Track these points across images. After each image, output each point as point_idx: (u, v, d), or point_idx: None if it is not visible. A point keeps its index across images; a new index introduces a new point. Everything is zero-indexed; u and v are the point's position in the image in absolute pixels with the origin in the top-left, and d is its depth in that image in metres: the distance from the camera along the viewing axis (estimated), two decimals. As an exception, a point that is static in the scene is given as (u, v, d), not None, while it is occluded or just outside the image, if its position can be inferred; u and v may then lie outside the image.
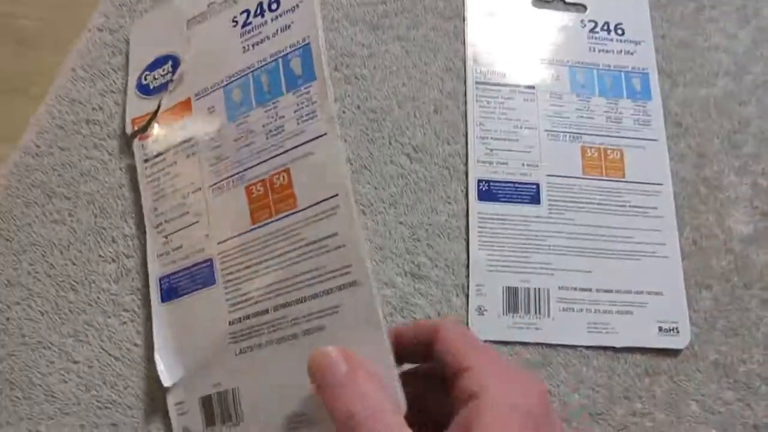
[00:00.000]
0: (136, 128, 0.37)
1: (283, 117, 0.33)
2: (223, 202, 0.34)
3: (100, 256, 0.35)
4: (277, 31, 0.34)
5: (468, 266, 0.38)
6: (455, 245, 0.38)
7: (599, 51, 0.44)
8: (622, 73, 0.44)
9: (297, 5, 0.34)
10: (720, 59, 0.45)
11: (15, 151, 0.37)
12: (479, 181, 0.40)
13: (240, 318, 0.32)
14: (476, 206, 0.39)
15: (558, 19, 0.45)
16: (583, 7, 0.45)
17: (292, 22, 0.34)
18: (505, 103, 0.42)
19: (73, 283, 0.35)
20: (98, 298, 0.35)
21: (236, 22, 0.35)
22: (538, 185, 0.40)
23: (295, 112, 0.33)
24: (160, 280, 0.35)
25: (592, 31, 0.45)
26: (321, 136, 0.31)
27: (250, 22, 0.35)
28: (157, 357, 0.33)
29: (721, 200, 0.41)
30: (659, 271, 0.39)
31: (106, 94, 0.38)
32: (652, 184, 0.41)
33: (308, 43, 0.33)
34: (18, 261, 0.35)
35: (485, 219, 0.39)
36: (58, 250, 0.35)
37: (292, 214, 0.31)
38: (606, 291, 0.38)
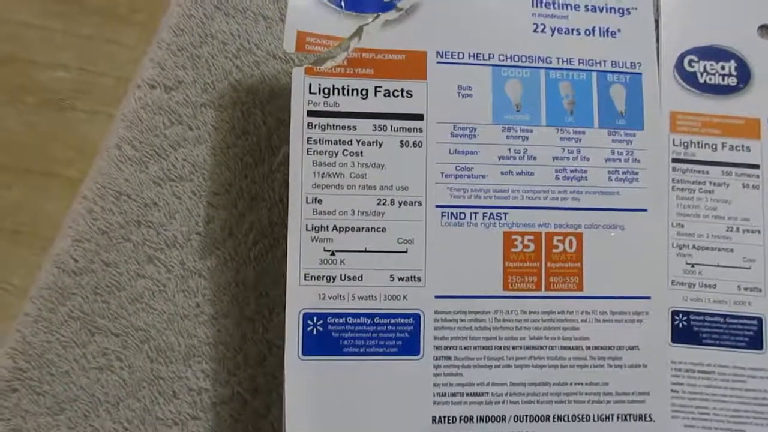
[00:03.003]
0: (304, 50, 0.24)
1: (587, 159, 0.24)
2: (459, 237, 0.23)
3: (158, 418, 0.27)
4: (594, 29, 0.25)
5: (653, 439, 0.27)
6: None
7: None
8: None
9: (630, 9, 0.25)
10: None
11: (46, 264, 0.28)
12: (674, 313, 0.28)
13: (453, 418, 0.22)
14: (669, 352, 0.28)
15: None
16: (836, 36, 0.31)
17: (619, 30, 0.25)
18: (716, 192, 0.29)
19: (124, 456, 0.26)
20: (156, 478, 0.26)
21: None
22: (760, 320, 0.28)
23: (606, 160, 0.24)
24: (305, 317, 0.23)
25: None
26: (639, 210, 0.24)
27: None
28: None
29: None
30: None
31: (164, 182, 0.28)
32: None
33: (639, 73, 0.25)
34: (54, 424, 0.26)
35: (682, 372, 0.28)
36: (104, 409, 0.27)
37: (572, 298, 0.23)
38: None
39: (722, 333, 0.28)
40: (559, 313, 0.23)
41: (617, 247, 0.24)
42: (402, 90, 0.23)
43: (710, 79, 0.30)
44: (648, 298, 0.24)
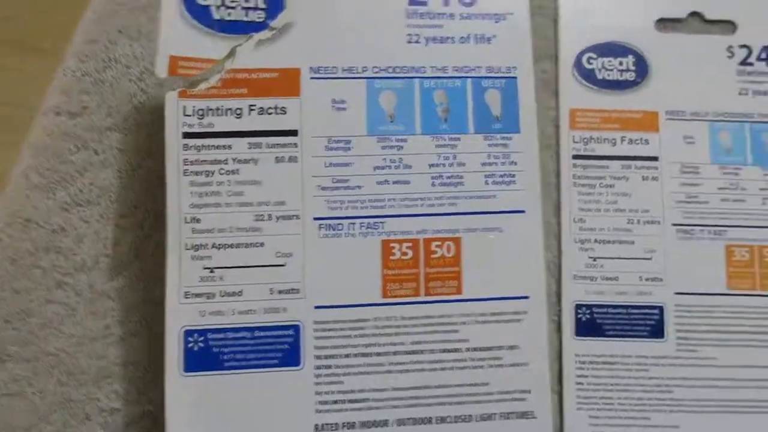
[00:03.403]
0: (177, 74, 0.24)
1: (464, 165, 0.24)
2: (337, 248, 0.24)
3: (70, 440, 0.27)
4: (469, 36, 0.25)
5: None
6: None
7: (754, 94, 0.30)
8: (789, 126, 0.30)
9: (506, 14, 0.25)
10: None
11: (-42, 296, 0.28)
12: (578, 306, 0.29)
13: (336, 425, 0.23)
14: (573, 345, 0.28)
15: (693, 47, 0.31)
16: (731, 26, 0.31)
17: (494, 36, 0.25)
18: (616, 186, 0.30)
19: (39, 481, 0.27)
20: (71, 499, 0.27)
21: None
22: (661, 309, 0.29)
23: (482, 164, 0.24)
24: (186, 335, 0.24)
25: (743, 63, 0.31)
26: (517, 212, 0.24)
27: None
28: None
29: None
30: None
31: (71, 207, 0.29)
32: (835, 302, 0.28)
33: (514, 77, 0.25)
34: (-31, 452, 0.27)
35: (586, 363, 0.28)
36: (17, 435, 0.27)
37: (451, 302, 0.24)
38: (765, 475, 0.27)
39: (625, 324, 0.28)
40: (438, 317, 0.24)
41: (495, 250, 0.24)
42: (276, 107, 0.24)
43: (609, 75, 0.31)
44: (526, 297, 0.24)
